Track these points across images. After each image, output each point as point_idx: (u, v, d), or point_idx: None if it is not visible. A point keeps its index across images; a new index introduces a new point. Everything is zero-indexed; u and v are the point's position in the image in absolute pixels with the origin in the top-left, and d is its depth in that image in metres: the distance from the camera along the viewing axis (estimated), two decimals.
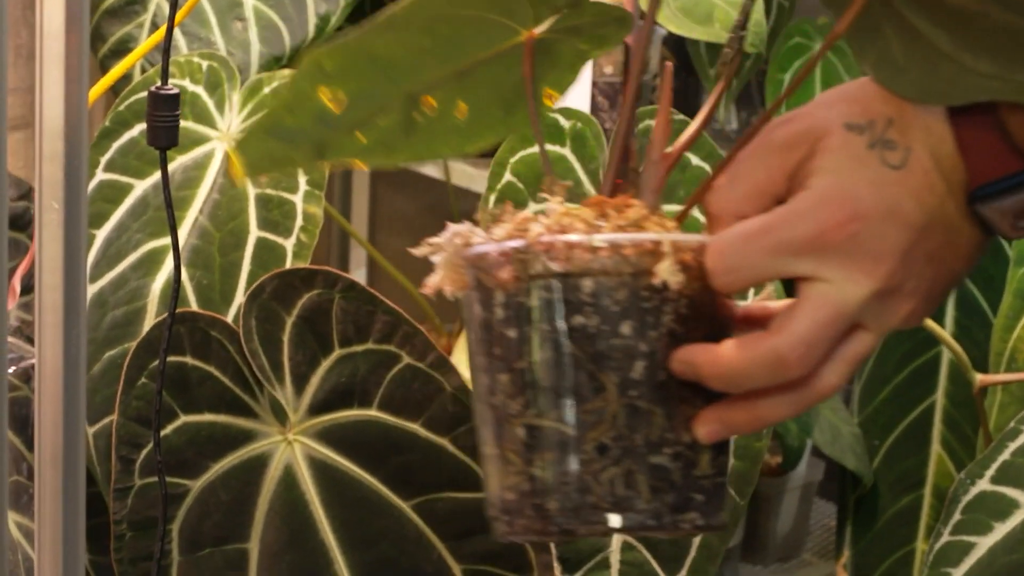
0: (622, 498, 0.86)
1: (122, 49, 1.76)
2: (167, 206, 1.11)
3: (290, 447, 1.47)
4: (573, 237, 0.84)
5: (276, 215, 1.62)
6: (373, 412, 1.45)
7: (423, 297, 1.99)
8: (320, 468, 1.47)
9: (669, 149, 0.92)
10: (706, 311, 0.87)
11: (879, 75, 0.89)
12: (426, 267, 2.35)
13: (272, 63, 1.79)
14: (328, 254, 2.20)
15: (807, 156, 0.88)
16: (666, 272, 0.83)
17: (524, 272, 0.84)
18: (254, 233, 1.62)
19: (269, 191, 1.63)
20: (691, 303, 0.86)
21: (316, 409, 1.46)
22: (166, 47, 1.03)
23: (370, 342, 1.47)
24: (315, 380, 1.47)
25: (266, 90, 1.68)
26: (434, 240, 0.89)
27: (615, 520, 0.86)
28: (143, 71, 1.68)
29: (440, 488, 1.45)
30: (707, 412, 0.87)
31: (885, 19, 0.84)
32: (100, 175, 1.63)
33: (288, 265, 1.59)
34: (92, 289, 1.61)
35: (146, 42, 1.62)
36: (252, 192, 1.63)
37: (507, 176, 1.57)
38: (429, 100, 0.89)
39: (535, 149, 1.56)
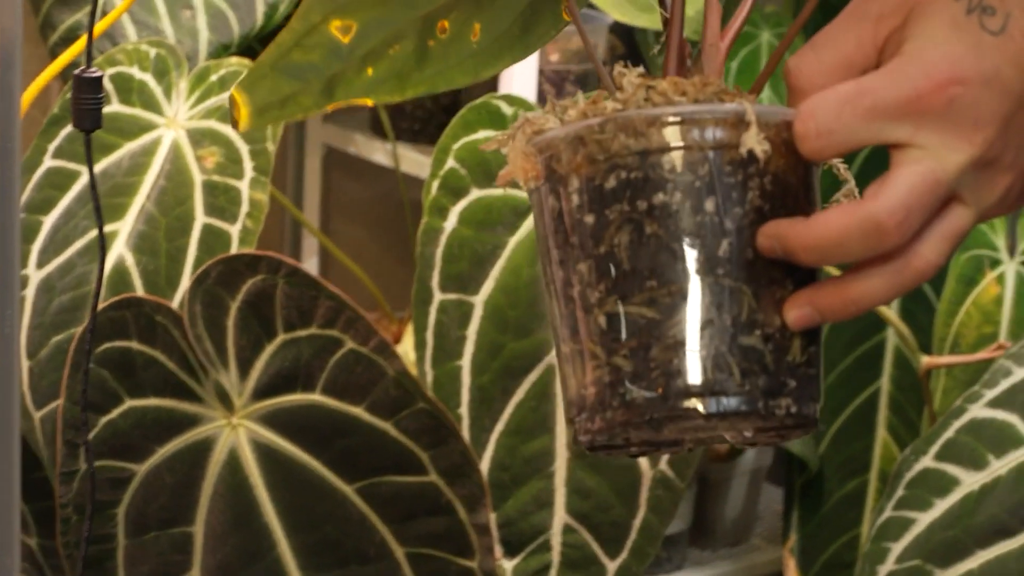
0: (712, 381, 0.82)
1: (71, 37, 1.76)
2: (91, 188, 1.12)
3: (234, 431, 1.47)
4: (651, 111, 0.81)
5: (222, 201, 1.62)
6: (316, 396, 1.46)
7: (374, 284, 2.01)
8: (264, 452, 1.47)
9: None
10: (792, 190, 0.84)
11: None
12: (379, 255, 2.35)
13: (220, 51, 1.78)
14: (281, 242, 2.20)
15: (901, 24, 0.84)
16: (752, 140, 0.80)
17: (600, 152, 0.81)
18: (200, 219, 1.62)
19: (215, 177, 1.63)
20: (776, 180, 0.83)
21: (260, 393, 1.47)
22: (89, 28, 1.03)
23: (313, 327, 1.48)
24: (259, 365, 1.47)
25: (213, 78, 1.68)
26: (501, 135, 0.86)
27: (706, 405, 0.82)
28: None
29: (383, 471, 1.45)
30: (797, 295, 0.83)
31: None
32: (48, 162, 1.63)
33: (234, 251, 1.60)
34: (40, 275, 1.61)
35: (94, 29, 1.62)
36: (199, 179, 1.64)
37: (450, 162, 1.58)
38: (443, 23, 0.87)
39: (478, 136, 1.59)
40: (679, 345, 0.82)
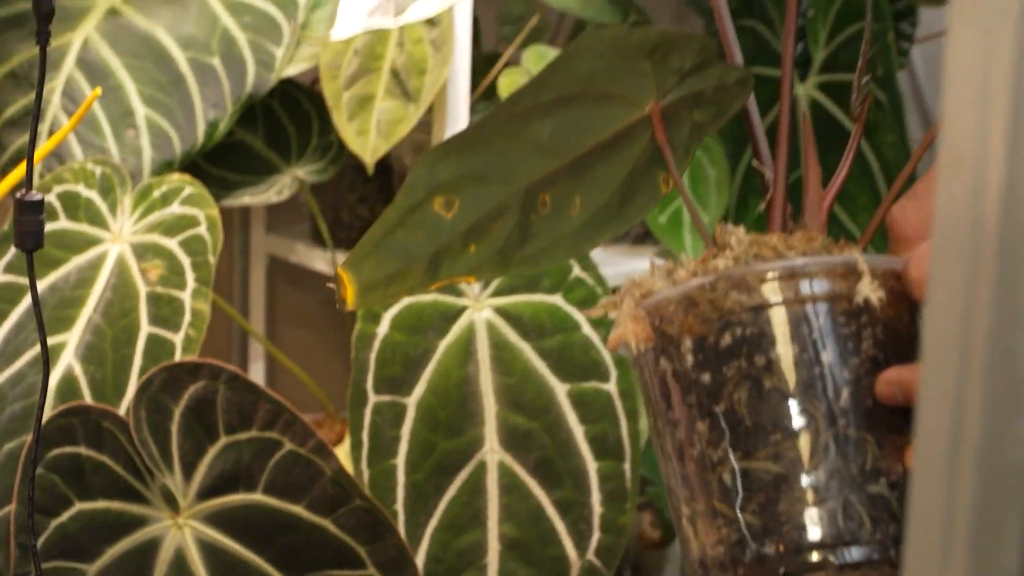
0: (843, 532, 0.80)
1: (20, 157, 1.73)
2: (34, 304, 1.14)
3: (180, 531, 1.47)
4: (763, 266, 0.81)
5: (166, 312, 1.63)
6: (258, 496, 1.46)
7: (318, 386, 2.03)
8: (209, 550, 1.48)
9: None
10: (902, 336, 0.83)
11: None
12: (323, 358, 2.38)
13: (163, 167, 1.78)
14: (229, 348, 2.20)
15: None
16: (867, 289, 0.80)
17: (713, 311, 0.80)
18: (145, 329, 1.63)
19: (159, 289, 1.64)
20: (887, 328, 0.82)
21: (204, 494, 1.47)
22: (30, 153, 1.06)
23: (253, 430, 1.48)
24: (202, 467, 1.47)
25: (156, 194, 1.69)
26: (609, 298, 0.84)
27: (838, 556, 0.80)
28: (40, 176, 1.71)
29: (323, 566, 1.46)
30: None
31: None
32: None
33: (177, 359, 1.61)
34: None
35: (40, 149, 1.65)
36: (143, 290, 1.64)
37: None
38: (545, 197, 0.85)
39: None
40: (807, 498, 0.81)
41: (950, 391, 0.51)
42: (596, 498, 1.54)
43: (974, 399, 0.50)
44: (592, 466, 1.55)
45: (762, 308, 0.80)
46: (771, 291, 0.80)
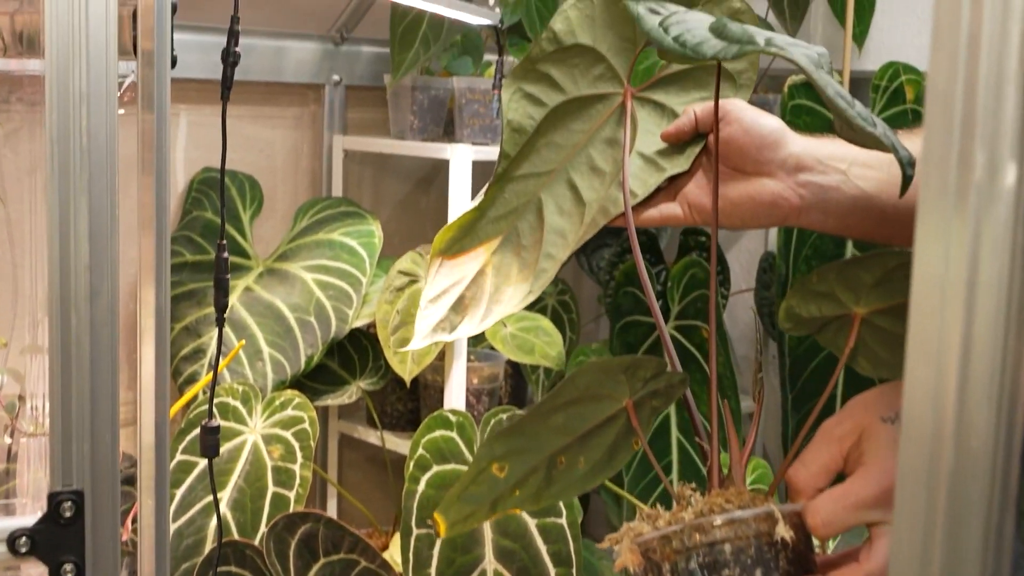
0: None
1: (193, 379, 1.78)
2: (210, 482, 1.16)
3: None
4: (712, 518, 0.78)
5: (284, 477, 1.65)
6: None
7: (371, 514, 2.04)
8: None
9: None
10: (803, 554, 0.81)
11: (879, 372, 0.82)
12: (374, 496, 2.32)
13: (279, 385, 1.80)
14: (316, 489, 2.16)
15: (857, 442, 0.81)
16: (782, 530, 0.78)
17: (683, 545, 0.78)
18: (271, 489, 1.65)
19: (280, 463, 1.65)
20: (794, 549, 0.79)
21: None
22: (211, 394, 1.10)
23: (342, 553, 1.50)
24: None
25: (277, 403, 1.70)
26: (613, 535, 0.82)
27: None
28: (204, 393, 1.73)
29: None
30: None
31: (872, 337, 0.77)
32: (179, 456, 1.65)
33: (291, 509, 1.62)
34: (175, 526, 1.62)
35: (203, 380, 1.68)
36: (269, 464, 1.65)
37: (419, 451, 1.58)
38: (561, 459, 0.83)
39: (435, 434, 1.60)
40: None
41: None
42: None
43: None
44: (552, 570, 1.56)
45: (715, 543, 0.78)
46: (719, 532, 0.78)
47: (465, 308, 0.89)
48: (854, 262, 0.77)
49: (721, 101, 0.91)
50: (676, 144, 0.94)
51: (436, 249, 0.92)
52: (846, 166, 0.92)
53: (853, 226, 0.93)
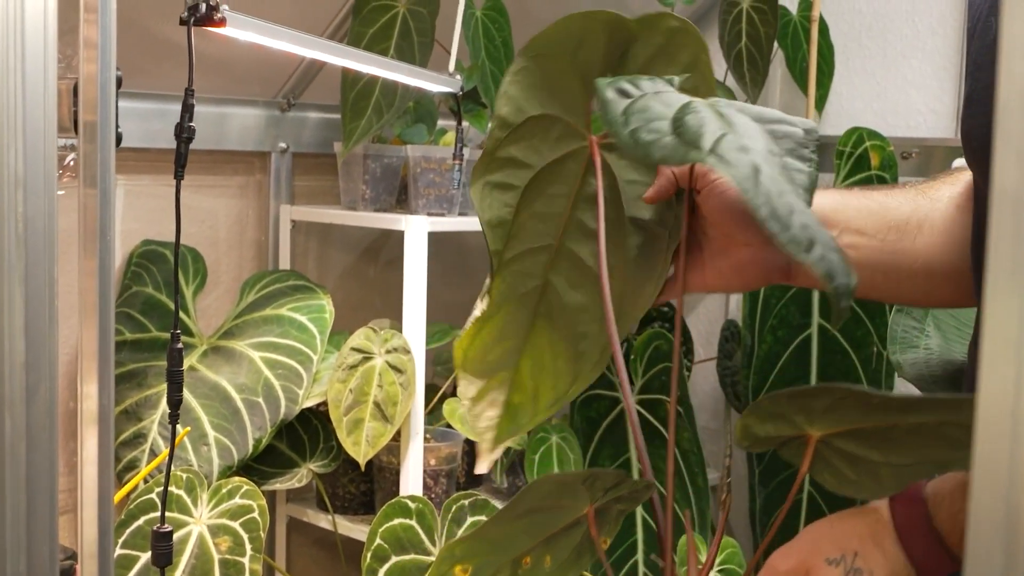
0: None
1: (133, 466, 1.71)
2: None
3: None
4: None
5: (232, 572, 1.60)
6: None
7: None
8: None
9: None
10: None
11: (843, 490, 0.81)
12: None
13: (225, 471, 1.75)
14: None
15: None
16: None
17: None
18: None
19: (227, 555, 1.60)
20: None
21: None
22: (163, 500, 1.04)
23: None
24: None
25: (223, 490, 1.66)
26: None
27: None
28: (145, 482, 1.66)
29: None
30: None
31: (832, 455, 0.77)
32: (118, 550, 1.58)
33: None
34: None
35: (146, 468, 1.62)
36: (216, 557, 1.60)
37: (377, 540, 1.55)
38: (526, 560, 0.81)
39: (393, 522, 1.57)
40: None
41: None
42: None
43: None
44: None
45: None
46: None
47: (515, 412, 0.86)
48: (801, 392, 0.75)
49: (698, 166, 0.88)
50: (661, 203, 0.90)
51: (460, 364, 0.88)
52: (837, 232, 0.91)
53: None
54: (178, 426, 1.73)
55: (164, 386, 1.77)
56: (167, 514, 1.63)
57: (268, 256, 2.08)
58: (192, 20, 1.06)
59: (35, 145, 0.80)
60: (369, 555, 1.54)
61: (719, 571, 1.81)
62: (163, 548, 1.01)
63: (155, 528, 1.00)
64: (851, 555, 0.82)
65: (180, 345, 0.92)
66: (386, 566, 1.52)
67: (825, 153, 2.12)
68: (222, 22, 1.08)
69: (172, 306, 1.88)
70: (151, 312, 1.85)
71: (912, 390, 1.79)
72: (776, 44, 2.14)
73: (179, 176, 0.91)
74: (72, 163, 0.87)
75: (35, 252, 0.80)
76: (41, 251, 0.80)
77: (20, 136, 0.80)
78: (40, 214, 0.80)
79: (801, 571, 0.82)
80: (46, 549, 0.82)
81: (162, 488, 1.64)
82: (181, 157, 0.91)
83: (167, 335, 1.85)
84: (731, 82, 2.20)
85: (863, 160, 1.92)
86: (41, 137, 0.80)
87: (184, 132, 0.91)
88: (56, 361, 0.82)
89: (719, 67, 2.16)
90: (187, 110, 0.91)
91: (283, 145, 2.06)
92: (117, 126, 0.87)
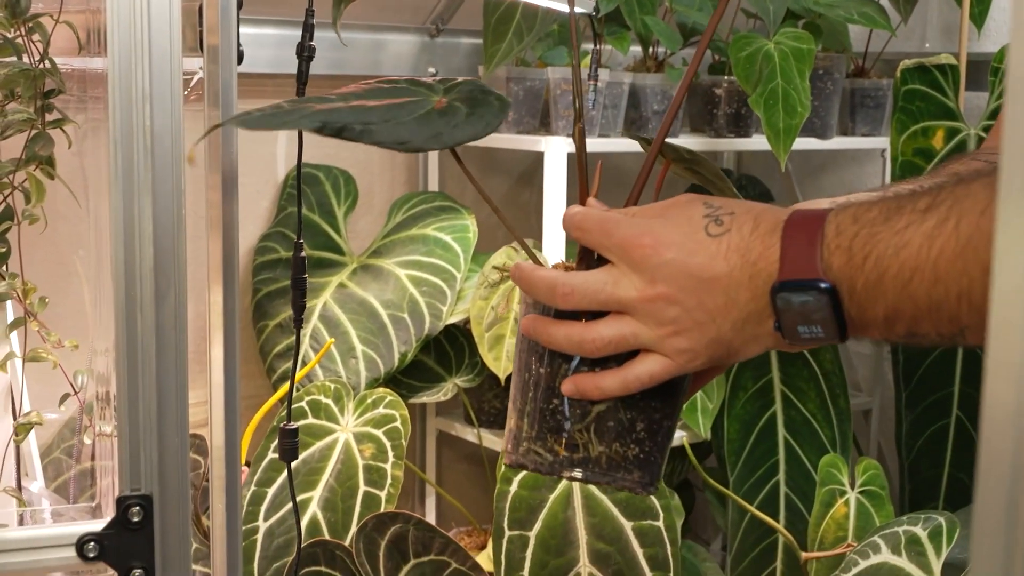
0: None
1: (286, 376, 1.78)
2: (288, 480, 1.14)
3: None
4: None
5: (375, 476, 1.65)
6: None
7: (469, 512, 2.04)
8: None
9: None
10: None
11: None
12: (471, 493, 2.31)
13: (372, 383, 1.80)
14: (413, 492, 2.17)
15: (670, 206, 0.79)
16: None
17: None
18: (362, 488, 1.65)
19: (371, 462, 1.65)
20: None
21: None
22: (289, 395, 1.09)
23: (432, 555, 1.50)
24: None
25: (369, 401, 1.70)
26: None
27: None
28: (297, 390, 1.72)
29: None
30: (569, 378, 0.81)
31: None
32: (269, 455, 1.64)
33: (382, 509, 1.62)
34: (265, 525, 1.63)
35: (298, 375, 1.68)
36: (360, 463, 1.66)
37: None
38: None
39: None
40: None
41: None
42: None
43: None
44: (648, 574, 1.53)
45: None
46: None
47: None
48: None
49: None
50: None
51: None
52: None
53: None
54: (325, 335, 1.82)
55: (316, 301, 1.85)
56: (315, 421, 1.71)
57: (418, 178, 2.13)
58: None
59: (161, 62, 0.85)
60: (503, 465, 1.58)
61: (861, 491, 1.80)
62: (289, 444, 1.06)
63: (282, 425, 1.05)
64: (727, 210, 0.76)
65: (303, 254, 0.97)
66: (520, 476, 1.55)
67: (981, 71, 2.05)
68: None
69: (325, 226, 1.96)
70: (306, 232, 1.92)
71: None
72: None
73: (300, 93, 0.95)
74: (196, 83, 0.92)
75: (162, 164, 0.85)
76: (168, 162, 0.85)
77: (146, 55, 0.85)
78: (167, 128, 0.86)
79: (680, 200, 0.79)
80: (176, 439, 0.88)
81: (311, 396, 1.72)
82: (302, 75, 0.96)
83: (320, 253, 1.93)
84: (886, 2, 2.14)
85: None
86: (167, 55, 0.85)
87: (304, 51, 0.96)
88: (184, 268, 0.87)
89: None
90: (307, 30, 0.96)
91: (432, 70, 2.09)
92: (239, 45, 0.92)
